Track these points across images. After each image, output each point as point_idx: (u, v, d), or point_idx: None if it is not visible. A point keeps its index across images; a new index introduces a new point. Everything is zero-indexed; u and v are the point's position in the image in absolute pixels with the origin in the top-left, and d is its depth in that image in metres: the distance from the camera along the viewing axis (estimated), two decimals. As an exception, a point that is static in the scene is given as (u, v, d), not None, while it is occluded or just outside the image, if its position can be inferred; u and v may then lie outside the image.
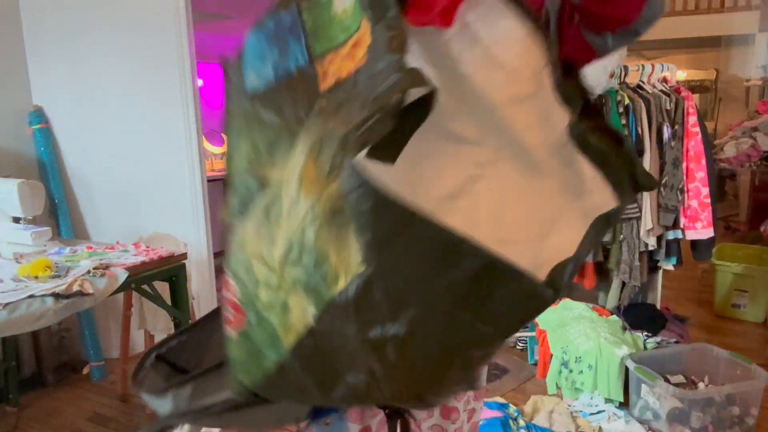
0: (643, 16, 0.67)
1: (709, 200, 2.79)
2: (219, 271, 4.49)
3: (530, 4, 0.61)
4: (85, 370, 2.96)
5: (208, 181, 3.17)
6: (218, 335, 0.70)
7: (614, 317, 2.78)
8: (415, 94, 0.48)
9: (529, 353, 3.01)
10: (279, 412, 0.75)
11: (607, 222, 0.67)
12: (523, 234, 0.60)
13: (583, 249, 0.65)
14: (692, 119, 2.80)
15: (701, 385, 2.42)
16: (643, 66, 2.87)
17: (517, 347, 3.13)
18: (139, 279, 2.00)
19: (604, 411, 2.38)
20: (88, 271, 1.82)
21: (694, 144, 2.79)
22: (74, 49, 2.93)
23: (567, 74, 0.63)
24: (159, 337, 2.77)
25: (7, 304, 1.59)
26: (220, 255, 5.47)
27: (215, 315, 0.84)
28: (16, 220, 2.35)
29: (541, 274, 0.60)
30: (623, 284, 2.90)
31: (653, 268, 2.98)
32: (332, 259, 0.54)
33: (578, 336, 2.56)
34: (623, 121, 2.67)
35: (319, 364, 0.61)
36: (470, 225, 0.55)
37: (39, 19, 2.90)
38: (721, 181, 5.87)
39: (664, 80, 2.95)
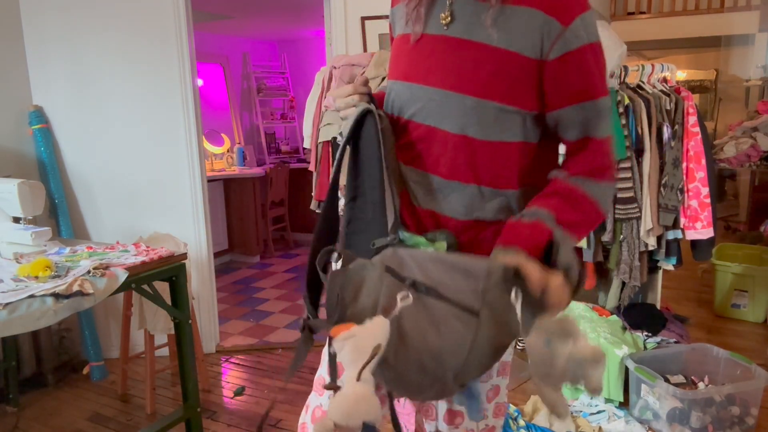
0: (605, 213, 1.02)
1: (709, 200, 2.79)
2: (219, 271, 4.48)
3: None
4: (85, 370, 2.96)
5: (208, 181, 3.17)
6: None
7: (614, 317, 2.78)
8: None
9: (529, 353, 3.01)
10: None
11: None
12: None
13: None
14: (692, 119, 2.79)
15: (701, 385, 2.42)
16: (643, 66, 2.86)
17: (518, 347, 3.13)
18: (139, 279, 1.99)
19: (604, 411, 2.38)
20: (88, 271, 1.82)
21: (694, 144, 2.79)
22: (74, 49, 2.93)
23: None
24: (159, 337, 2.77)
25: (7, 304, 1.58)
26: (219, 255, 5.44)
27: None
28: (16, 220, 2.35)
29: None
30: (623, 284, 2.90)
31: (653, 268, 2.98)
32: None
33: (578, 336, 2.56)
34: (623, 121, 2.67)
35: None
36: None
37: (39, 19, 2.90)
38: (721, 181, 5.87)
39: (664, 80, 2.95)
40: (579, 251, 2.87)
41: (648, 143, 2.72)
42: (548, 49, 0.93)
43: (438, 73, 0.99)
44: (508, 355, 1.16)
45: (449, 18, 1.00)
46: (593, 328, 2.59)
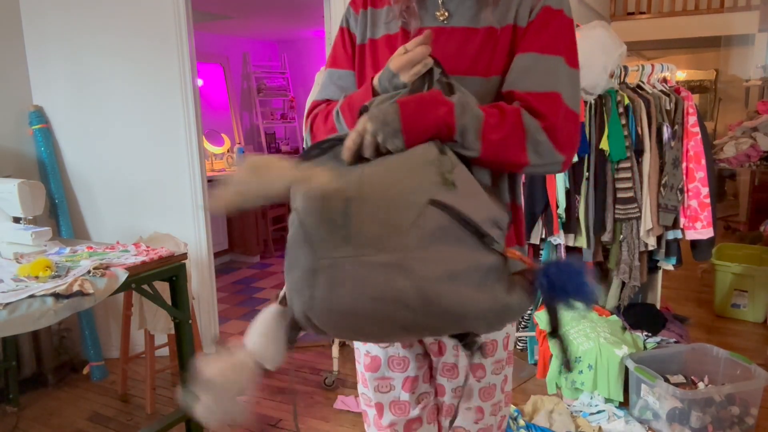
0: (531, 160, 0.91)
1: (708, 200, 2.79)
2: (219, 271, 4.48)
3: None
4: (85, 370, 2.97)
5: (208, 181, 3.17)
6: None
7: (614, 317, 2.78)
8: None
9: (529, 353, 3.01)
10: None
11: None
12: None
13: None
14: (692, 119, 2.80)
15: (701, 385, 2.42)
16: (642, 66, 2.87)
17: (517, 347, 3.13)
18: (139, 279, 1.99)
19: (603, 411, 2.38)
20: (88, 271, 1.82)
21: (694, 144, 2.79)
22: (74, 49, 2.93)
23: None
24: (159, 337, 2.77)
25: (7, 304, 1.59)
26: (219, 255, 5.43)
27: None
28: (17, 220, 2.36)
29: None
30: (623, 284, 2.90)
31: (653, 268, 2.98)
32: None
33: (578, 336, 2.57)
34: (623, 121, 2.68)
35: None
36: None
37: (39, 19, 2.91)
38: (720, 181, 5.87)
39: (664, 80, 2.95)
40: (578, 251, 2.88)
41: (648, 143, 2.72)
42: (529, 14, 0.99)
43: (448, 60, 0.99)
44: (511, 345, 1.17)
45: (446, 14, 1.03)
46: (593, 328, 2.60)
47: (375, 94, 0.97)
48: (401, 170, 0.80)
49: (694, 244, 2.93)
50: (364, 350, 1.19)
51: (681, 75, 7.93)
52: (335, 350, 2.92)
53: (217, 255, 4.69)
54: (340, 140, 0.85)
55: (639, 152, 2.74)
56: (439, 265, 0.75)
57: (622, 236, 2.76)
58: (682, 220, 2.83)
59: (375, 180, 0.79)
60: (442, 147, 0.84)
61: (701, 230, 2.81)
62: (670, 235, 2.85)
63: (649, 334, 2.76)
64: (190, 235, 3.09)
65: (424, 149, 0.83)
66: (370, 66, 1.09)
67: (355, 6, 1.12)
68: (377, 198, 0.77)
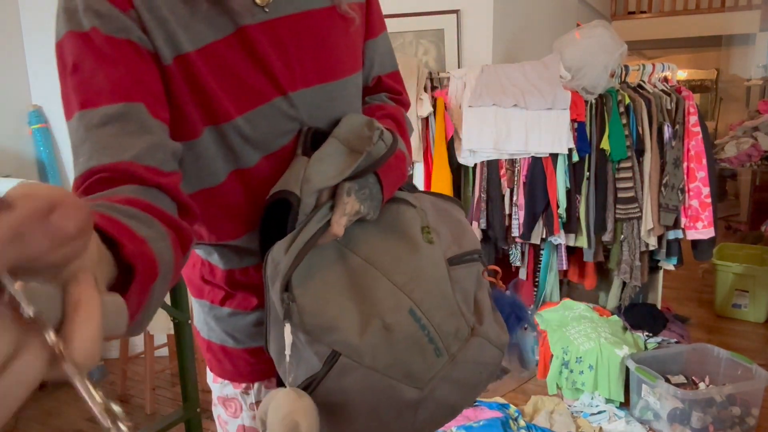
0: None
1: (709, 200, 2.79)
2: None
3: None
4: (85, 370, 2.96)
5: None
6: None
7: (615, 317, 2.78)
8: None
9: (529, 353, 3.01)
10: None
11: None
12: None
13: None
14: (693, 119, 2.79)
15: (702, 385, 2.41)
16: (643, 65, 2.86)
17: (518, 347, 3.12)
18: (139, 279, 1.99)
19: (604, 411, 2.38)
20: (88, 271, 1.82)
21: (695, 144, 2.79)
22: (74, 49, 2.93)
23: None
24: (159, 337, 2.77)
25: (6, 305, 1.58)
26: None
27: None
28: (16, 220, 2.35)
29: None
30: (624, 284, 2.90)
31: (654, 268, 2.98)
32: None
33: (579, 336, 2.56)
34: (624, 121, 2.67)
35: None
36: None
37: (39, 18, 2.90)
38: (721, 181, 5.87)
39: (665, 80, 2.95)
40: (578, 251, 2.87)
41: (649, 143, 2.72)
42: None
43: (312, 64, 0.73)
44: None
45: None
46: (594, 328, 2.59)
47: None
48: (408, 249, 0.72)
49: (695, 244, 2.92)
50: None
51: (682, 74, 7.92)
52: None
53: (217, 255, 4.67)
54: (312, 238, 0.67)
55: (640, 152, 2.74)
56: (488, 308, 0.78)
57: (622, 236, 2.75)
58: (683, 220, 2.82)
59: (417, 278, 0.70)
60: (404, 200, 0.77)
61: (702, 230, 2.80)
62: (671, 235, 2.84)
63: (650, 335, 2.76)
64: (190, 235, 3.09)
65: (407, 216, 0.75)
66: (188, 99, 0.68)
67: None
68: (426, 294, 0.69)
